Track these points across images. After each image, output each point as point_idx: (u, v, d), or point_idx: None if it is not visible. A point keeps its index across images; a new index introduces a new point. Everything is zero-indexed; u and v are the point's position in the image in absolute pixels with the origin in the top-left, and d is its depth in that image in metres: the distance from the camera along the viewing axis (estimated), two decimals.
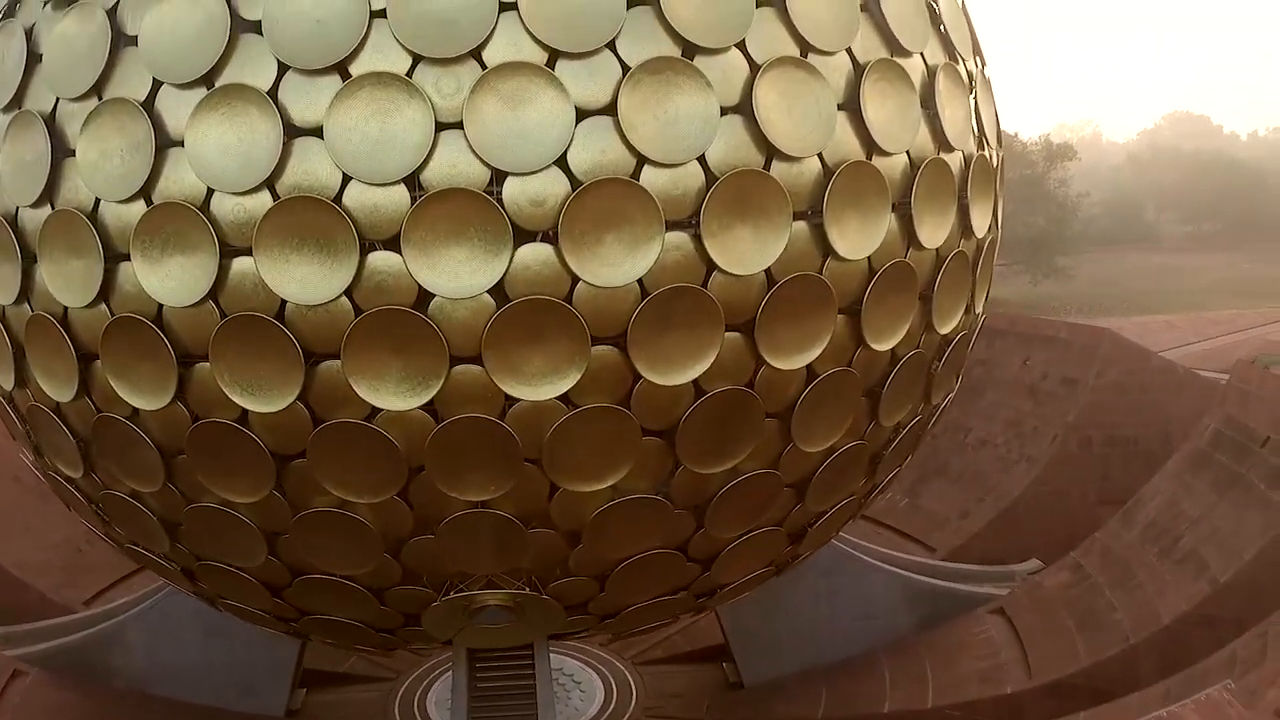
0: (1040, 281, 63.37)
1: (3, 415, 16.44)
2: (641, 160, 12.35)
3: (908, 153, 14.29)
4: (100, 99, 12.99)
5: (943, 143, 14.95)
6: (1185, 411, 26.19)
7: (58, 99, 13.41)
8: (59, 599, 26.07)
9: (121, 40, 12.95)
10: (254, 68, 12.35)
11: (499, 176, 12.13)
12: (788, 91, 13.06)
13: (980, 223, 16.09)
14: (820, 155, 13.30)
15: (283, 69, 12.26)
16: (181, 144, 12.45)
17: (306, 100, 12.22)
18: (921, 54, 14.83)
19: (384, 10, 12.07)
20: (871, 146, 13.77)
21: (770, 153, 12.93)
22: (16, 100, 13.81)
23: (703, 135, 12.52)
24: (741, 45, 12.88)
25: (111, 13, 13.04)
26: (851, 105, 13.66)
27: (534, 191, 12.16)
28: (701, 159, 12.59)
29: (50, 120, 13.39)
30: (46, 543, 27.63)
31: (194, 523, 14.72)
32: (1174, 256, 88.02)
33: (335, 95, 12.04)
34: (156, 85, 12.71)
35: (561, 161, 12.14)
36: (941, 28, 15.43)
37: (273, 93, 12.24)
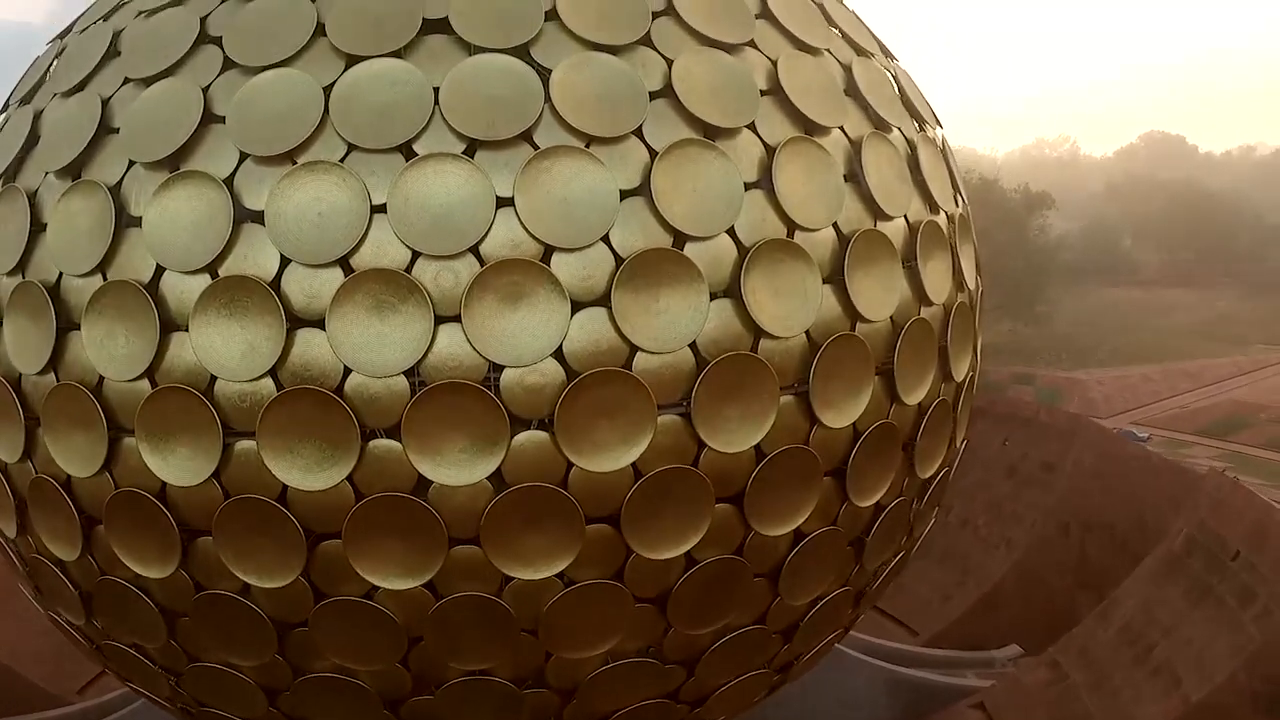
0: (1020, 328, 64.37)
1: (3, 554, 16.66)
2: (634, 349, 12.75)
3: (891, 318, 14.77)
4: (104, 278, 13.32)
5: (924, 300, 15.44)
6: (1160, 499, 26.86)
7: (61, 272, 13.73)
8: (52, 689, 26.16)
9: (124, 220, 13.32)
10: (257, 259, 12.72)
11: (496, 366, 12.51)
12: (775, 274, 13.51)
13: (960, 368, 16.60)
14: (806, 331, 13.77)
15: (285, 261, 12.61)
16: (187, 329, 12.78)
17: (309, 292, 12.57)
18: (905, 215, 15.32)
19: (384, 205, 12.45)
20: (856, 317, 14.23)
21: (758, 334, 13.37)
22: (20, 268, 14.12)
23: (693, 323, 12.95)
24: (731, 231, 13.31)
25: (115, 190, 13.42)
26: (836, 278, 14.12)
27: (531, 382, 12.56)
28: (692, 344, 13.05)
29: (55, 291, 13.71)
30: (38, 629, 27.68)
31: (195, 675, 15.02)
32: (1150, 291, 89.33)
33: (337, 289, 12.38)
34: (160, 269, 13.06)
35: (558, 353, 12.53)
36: (924, 184, 15.88)
37: (275, 284, 12.59)
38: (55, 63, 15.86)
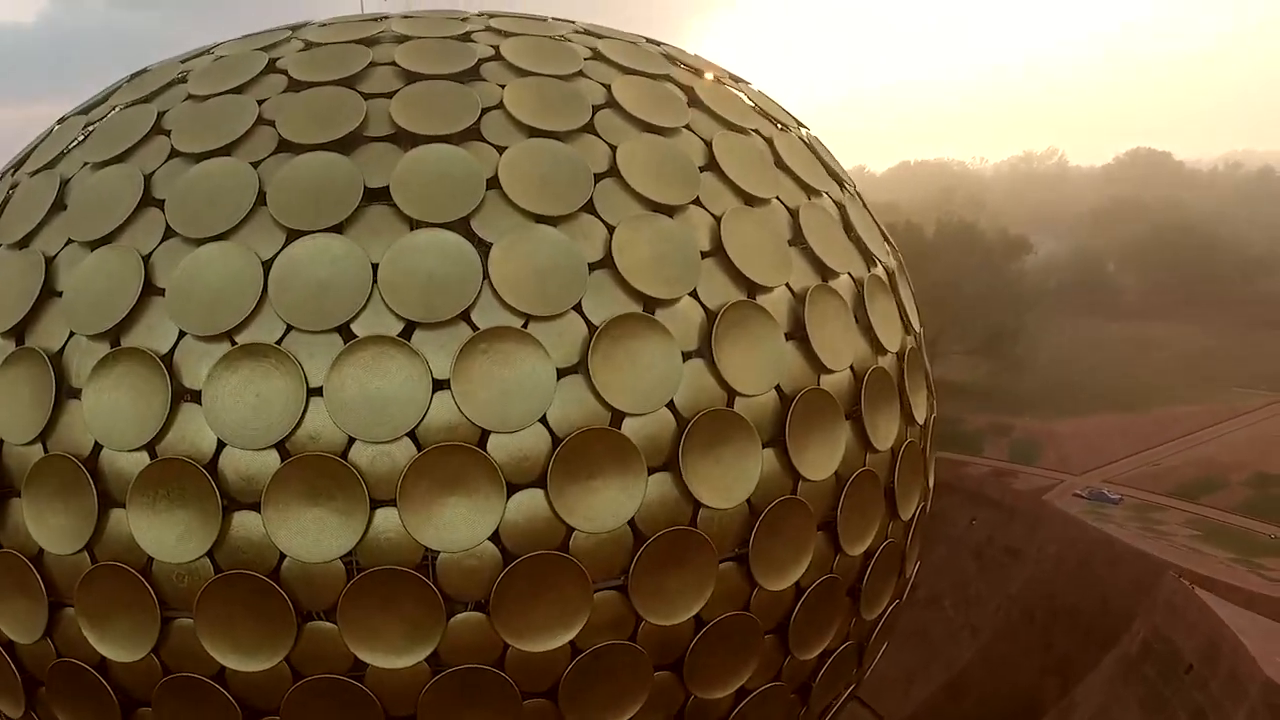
0: (999, 373, 64.48)
1: None
2: (570, 530, 12.85)
3: (836, 473, 14.95)
4: (45, 449, 13.34)
5: (869, 448, 15.64)
6: (1125, 586, 27.00)
7: (2, 440, 13.72)
8: None
9: (65, 390, 13.35)
10: (195, 440, 12.76)
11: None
12: (715, 444, 13.64)
13: (908, 507, 16.80)
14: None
15: (223, 443, 12.64)
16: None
17: (245, 475, 12.63)
18: (851, 365, 15.55)
19: (321, 389, 12.50)
20: (798, 478, 14.39)
21: (696, 506, 13.49)
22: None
23: (630, 501, 13.07)
24: (670, 404, 13.43)
25: (56, 359, 13.49)
26: (778, 440, 14.27)
27: (468, 565, 12.66)
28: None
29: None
30: None
31: None
32: (1132, 324, 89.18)
33: (274, 474, 12.43)
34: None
35: (494, 536, 12.62)
36: (871, 329, 16.16)
37: (212, 466, 12.65)
38: (4, 207, 15.83)
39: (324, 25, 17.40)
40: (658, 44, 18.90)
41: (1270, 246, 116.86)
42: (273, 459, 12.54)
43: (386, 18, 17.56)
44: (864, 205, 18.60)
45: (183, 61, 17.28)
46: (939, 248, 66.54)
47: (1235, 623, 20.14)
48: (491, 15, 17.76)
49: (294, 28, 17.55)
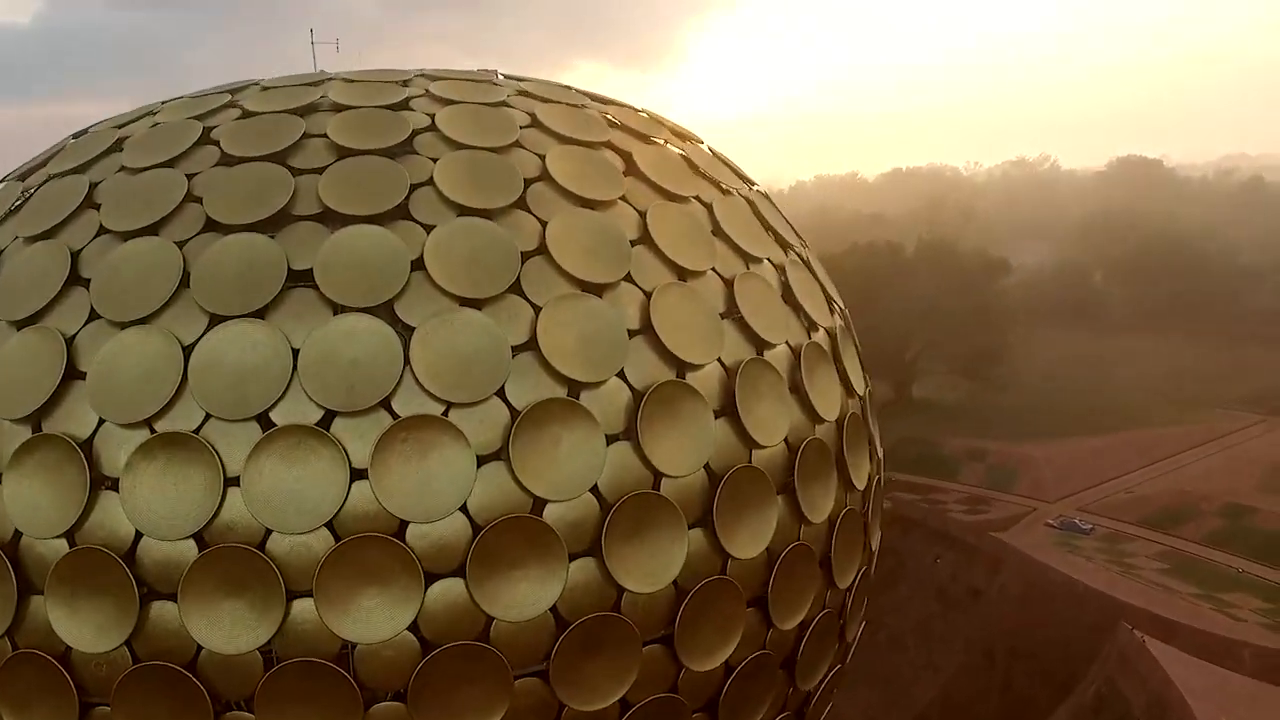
0: (979, 393, 64.53)
1: None
2: (490, 619, 12.83)
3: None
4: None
5: (803, 521, 15.63)
6: (1084, 626, 27.04)
7: None
8: None
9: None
10: (113, 528, 12.73)
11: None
12: (641, 528, 13.63)
13: (846, 576, 16.77)
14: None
15: (140, 533, 12.60)
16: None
17: (163, 564, 12.59)
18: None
19: (238, 479, 12.48)
20: (726, 558, 14.37)
21: (620, 591, 13.47)
22: None
23: (553, 588, 13.05)
24: (595, 489, 13.42)
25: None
26: (707, 519, 14.25)
27: (386, 656, 12.64)
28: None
29: None
30: None
31: None
32: (1117, 338, 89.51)
33: (190, 566, 12.40)
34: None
35: (414, 627, 12.59)
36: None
37: (130, 556, 12.62)
38: None
39: (265, 90, 17.34)
40: (605, 103, 18.89)
41: (1259, 258, 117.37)
42: (190, 549, 12.51)
43: (329, 81, 17.52)
44: (809, 265, 18.58)
45: (122, 126, 17.21)
46: (920, 267, 66.52)
47: (1184, 679, 20.17)
48: (433, 78, 17.74)
49: (235, 90, 17.51)
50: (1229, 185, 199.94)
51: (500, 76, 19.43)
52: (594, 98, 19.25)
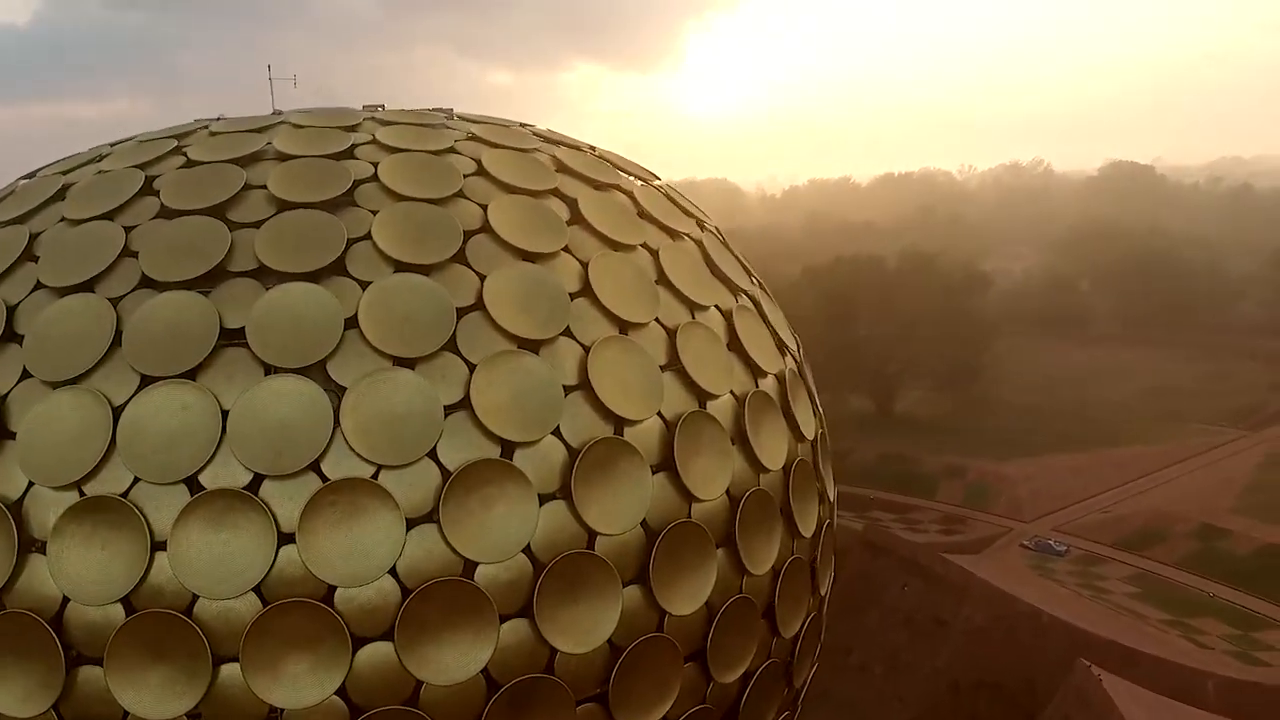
0: (961, 409, 64.53)
1: None
2: (419, 683, 12.80)
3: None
4: None
5: (745, 572, 15.60)
6: (1049, 657, 27.08)
7: None
8: None
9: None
10: (40, 591, 12.69)
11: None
12: (573, 587, 13.60)
13: (791, 625, 16.75)
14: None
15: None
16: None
17: (89, 629, 12.54)
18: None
19: (165, 544, 12.44)
20: (663, 614, 14.35)
21: (552, 652, 13.45)
22: None
23: (481, 653, 13.01)
24: (527, 549, 13.39)
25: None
26: (642, 576, 14.23)
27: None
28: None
29: None
30: None
31: None
32: (1101, 350, 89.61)
33: (117, 630, 12.36)
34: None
35: (341, 691, 12.55)
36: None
37: (56, 621, 12.57)
38: None
39: (213, 135, 17.31)
40: (558, 144, 18.86)
41: (1246, 267, 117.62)
42: (118, 613, 12.47)
43: (278, 125, 17.50)
44: (760, 307, 18.54)
45: (69, 171, 17.18)
46: (902, 280, 66.61)
47: (1140, 718, 20.21)
48: (383, 121, 17.74)
49: (183, 135, 17.48)
50: (1219, 192, 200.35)
51: (454, 116, 19.44)
52: (549, 138, 19.24)
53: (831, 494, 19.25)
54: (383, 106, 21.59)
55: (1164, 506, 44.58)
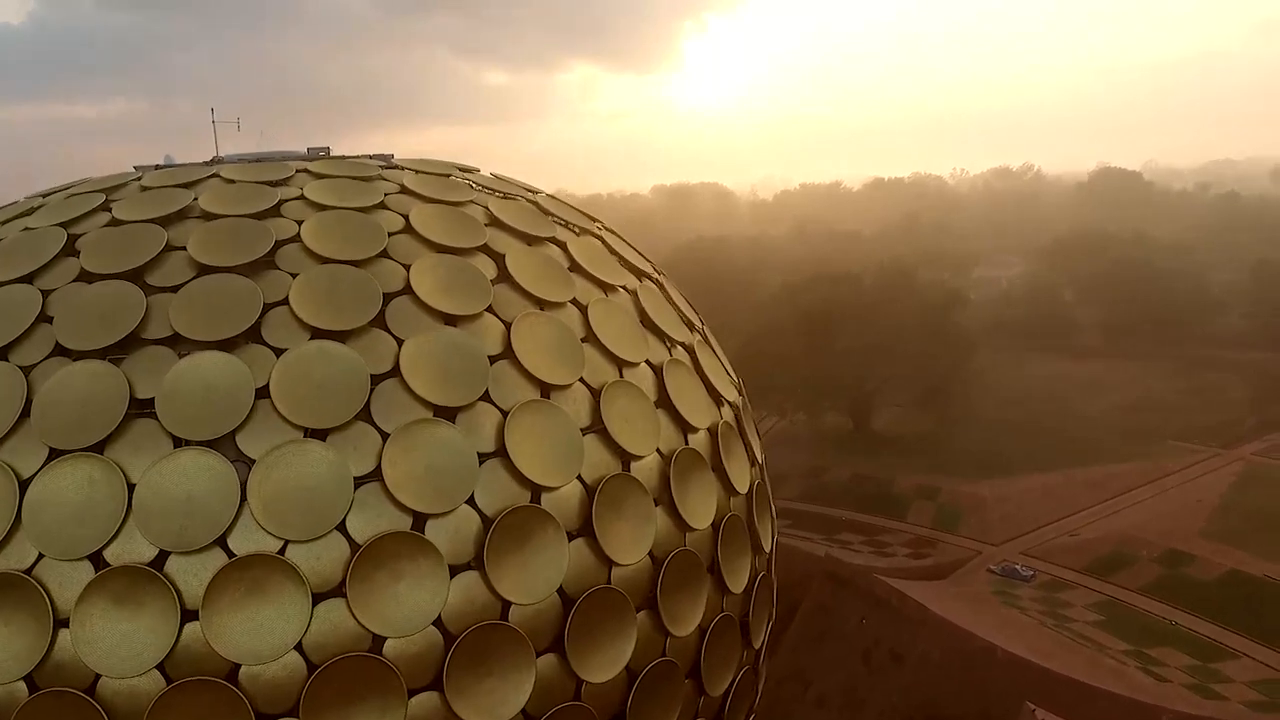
0: (936, 428, 64.47)
1: None
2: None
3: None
4: None
5: (668, 634, 15.58)
6: (1004, 691, 27.03)
7: None
8: None
9: None
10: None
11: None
12: (484, 659, 13.55)
13: (718, 684, 16.71)
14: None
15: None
16: None
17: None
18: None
19: (68, 621, 12.39)
20: (580, 683, 14.32)
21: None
22: None
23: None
24: (438, 621, 13.35)
25: None
26: (557, 646, 14.19)
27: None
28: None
29: None
30: None
31: None
32: (1081, 363, 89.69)
33: (17, 711, 12.29)
34: None
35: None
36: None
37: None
38: None
39: (144, 189, 17.26)
40: (492, 192, 18.78)
41: (1231, 277, 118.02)
42: (20, 692, 12.40)
43: (209, 179, 17.44)
44: (695, 358, 18.48)
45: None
46: (879, 297, 66.64)
47: None
48: (315, 174, 17.69)
49: (113, 189, 17.41)
50: (1206, 200, 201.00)
51: (393, 164, 19.39)
52: (486, 187, 19.19)
53: (768, 542, 19.20)
54: (327, 150, 21.62)
55: (1132, 530, 44.56)
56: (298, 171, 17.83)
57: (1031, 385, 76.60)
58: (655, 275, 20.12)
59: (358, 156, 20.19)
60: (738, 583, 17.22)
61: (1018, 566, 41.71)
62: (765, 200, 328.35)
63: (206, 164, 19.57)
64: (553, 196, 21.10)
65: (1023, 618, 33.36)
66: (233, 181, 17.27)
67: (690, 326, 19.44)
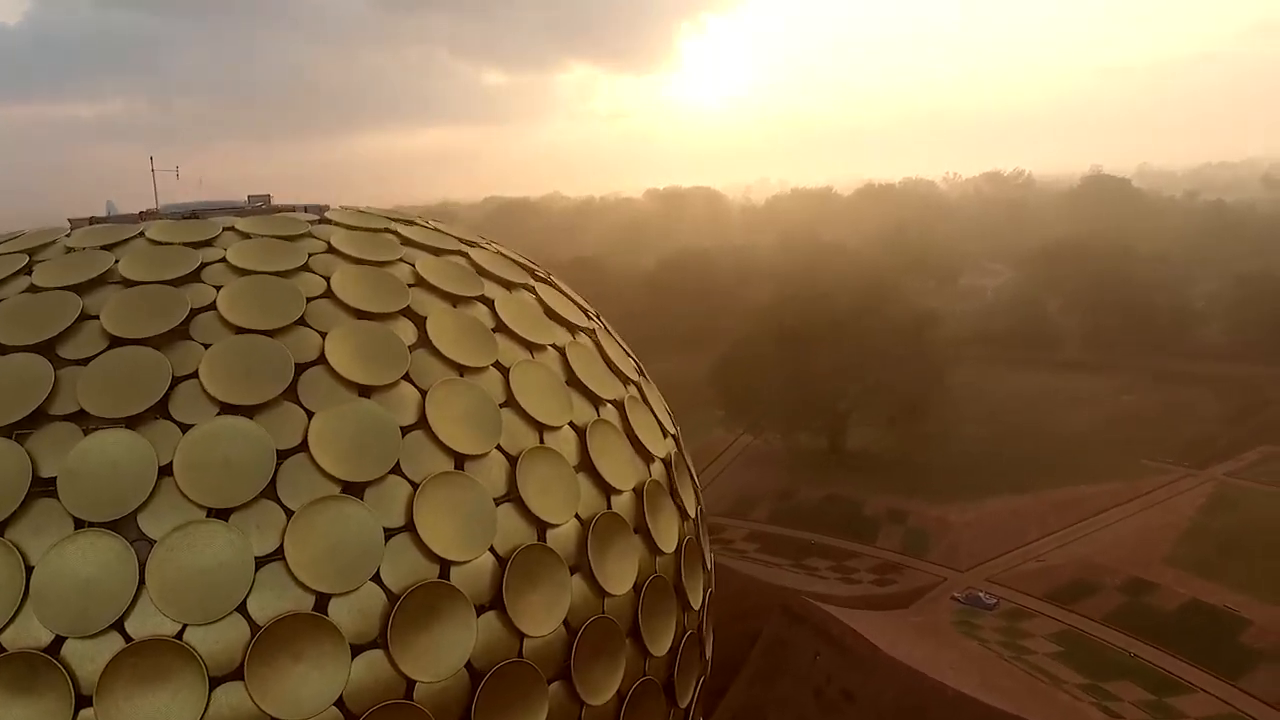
0: (910, 450, 64.43)
1: None
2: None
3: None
4: None
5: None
6: None
7: None
8: None
9: None
10: None
11: None
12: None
13: (660, 643, 16.80)
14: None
15: None
16: None
17: None
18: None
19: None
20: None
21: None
22: None
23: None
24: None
25: None
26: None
27: None
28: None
29: None
30: None
31: None
32: (1061, 375, 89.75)
33: None
34: None
35: None
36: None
37: None
38: None
39: (67, 251, 17.20)
40: (423, 250, 18.70)
41: (1213, 289, 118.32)
42: None
43: (133, 240, 17.39)
44: (625, 416, 18.41)
45: None
46: (851, 319, 66.65)
47: None
48: (242, 233, 17.63)
49: (37, 250, 17.34)
50: (1194, 207, 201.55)
51: (325, 219, 19.29)
52: (417, 244, 19.05)
53: (699, 598, 19.17)
54: (269, 198, 21.59)
55: (1098, 555, 44.64)
56: (225, 230, 17.77)
57: (1010, 400, 76.65)
58: (590, 327, 20.05)
59: (292, 209, 20.17)
60: (660, 645, 17.19)
61: (981, 594, 41.69)
62: (757, 206, 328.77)
63: (138, 218, 19.54)
64: (494, 245, 21.07)
65: (981, 650, 33.41)
66: (157, 243, 17.21)
67: (625, 380, 19.38)
